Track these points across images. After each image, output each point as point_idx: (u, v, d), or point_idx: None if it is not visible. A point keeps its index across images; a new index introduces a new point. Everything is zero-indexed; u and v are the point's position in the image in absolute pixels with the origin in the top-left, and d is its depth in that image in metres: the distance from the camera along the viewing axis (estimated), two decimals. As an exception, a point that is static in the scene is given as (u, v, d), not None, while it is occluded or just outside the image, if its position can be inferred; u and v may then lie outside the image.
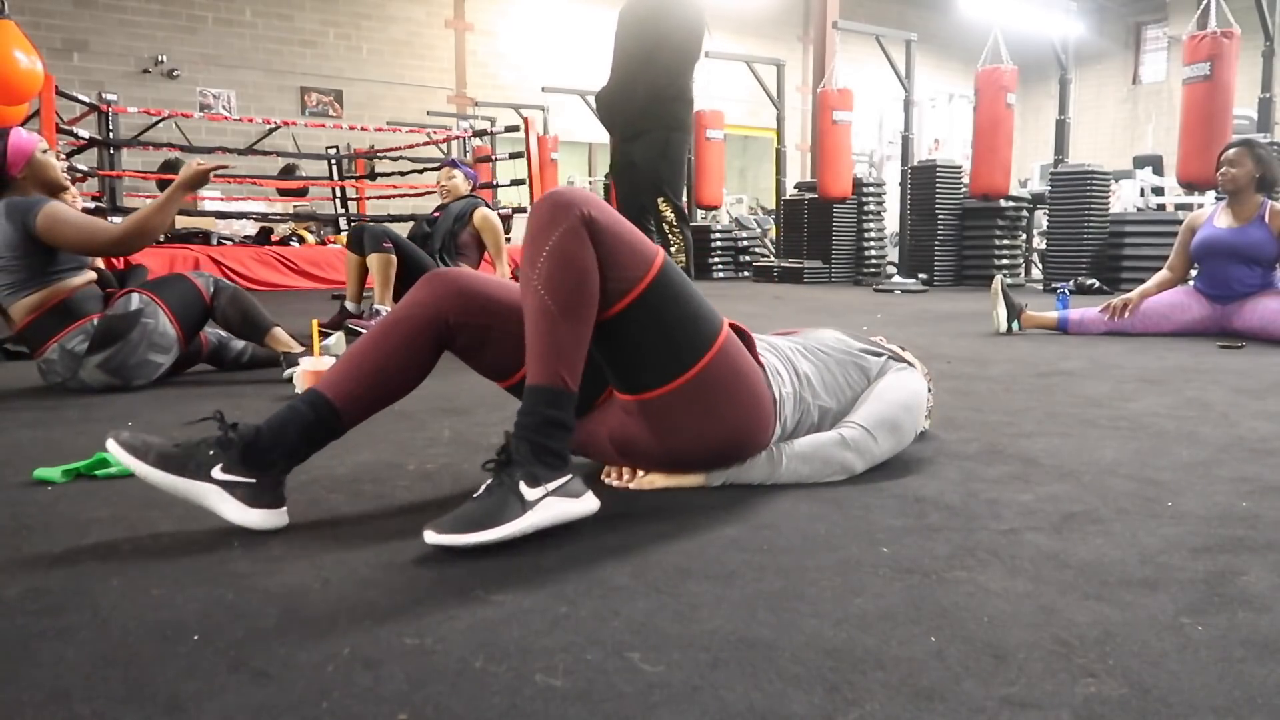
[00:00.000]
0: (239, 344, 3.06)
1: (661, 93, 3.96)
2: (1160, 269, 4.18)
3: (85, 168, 7.62)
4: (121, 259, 6.47)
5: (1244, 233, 3.85)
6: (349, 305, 4.14)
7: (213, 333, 3.00)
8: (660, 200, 4.01)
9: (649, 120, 3.99)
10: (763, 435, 1.54)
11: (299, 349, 2.86)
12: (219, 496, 1.32)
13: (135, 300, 2.65)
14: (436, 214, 4.52)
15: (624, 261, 1.37)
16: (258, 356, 3.07)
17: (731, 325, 1.52)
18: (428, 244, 4.39)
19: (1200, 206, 4.64)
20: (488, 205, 4.61)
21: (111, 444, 1.30)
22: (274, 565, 1.21)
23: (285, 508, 1.37)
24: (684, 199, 4.28)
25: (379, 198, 10.18)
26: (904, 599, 1.08)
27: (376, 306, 4.07)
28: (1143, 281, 4.20)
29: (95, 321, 2.61)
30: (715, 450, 1.52)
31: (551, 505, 1.28)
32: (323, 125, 10.26)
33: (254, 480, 1.34)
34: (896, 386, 1.71)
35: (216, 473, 1.32)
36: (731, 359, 1.46)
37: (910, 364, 1.81)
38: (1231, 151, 3.91)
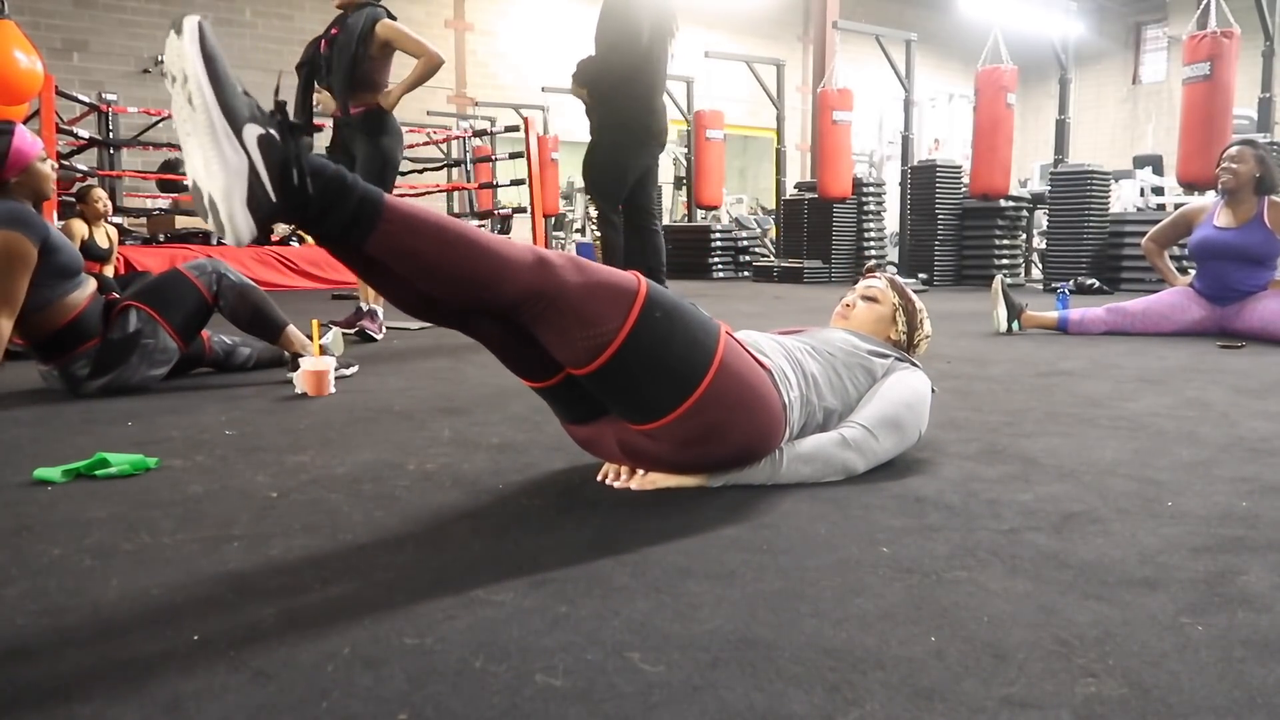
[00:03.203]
0: (245, 352, 3.01)
1: (612, 89, 3.97)
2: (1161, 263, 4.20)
3: (85, 167, 7.63)
4: (123, 265, 6.50)
5: (1245, 233, 3.85)
6: (363, 305, 4.07)
7: (218, 341, 2.96)
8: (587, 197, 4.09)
9: (597, 112, 3.99)
10: (774, 440, 1.54)
11: (313, 349, 2.78)
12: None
13: (134, 320, 2.60)
14: (334, 30, 3.85)
15: (600, 315, 1.34)
16: (263, 360, 3.05)
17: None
18: (315, 79, 3.85)
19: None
20: (387, 11, 3.88)
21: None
22: (274, 565, 1.21)
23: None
24: (612, 200, 4.18)
25: (379, 198, 10.16)
26: (904, 599, 1.08)
27: (370, 306, 3.99)
28: (1143, 282, 4.20)
29: (97, 346, 2.57)
30: (730, 459, 1.52)
31: (241, 160, 1.12)
32: (323, 125, 10.26)
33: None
34: (899, 386, 1.71)
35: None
36: (734, 370, 1.44)
37: (915, 365, 1.81)
38: (1233, 150, 3.91)
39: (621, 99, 4.03)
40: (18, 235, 2.40)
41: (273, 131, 1.16)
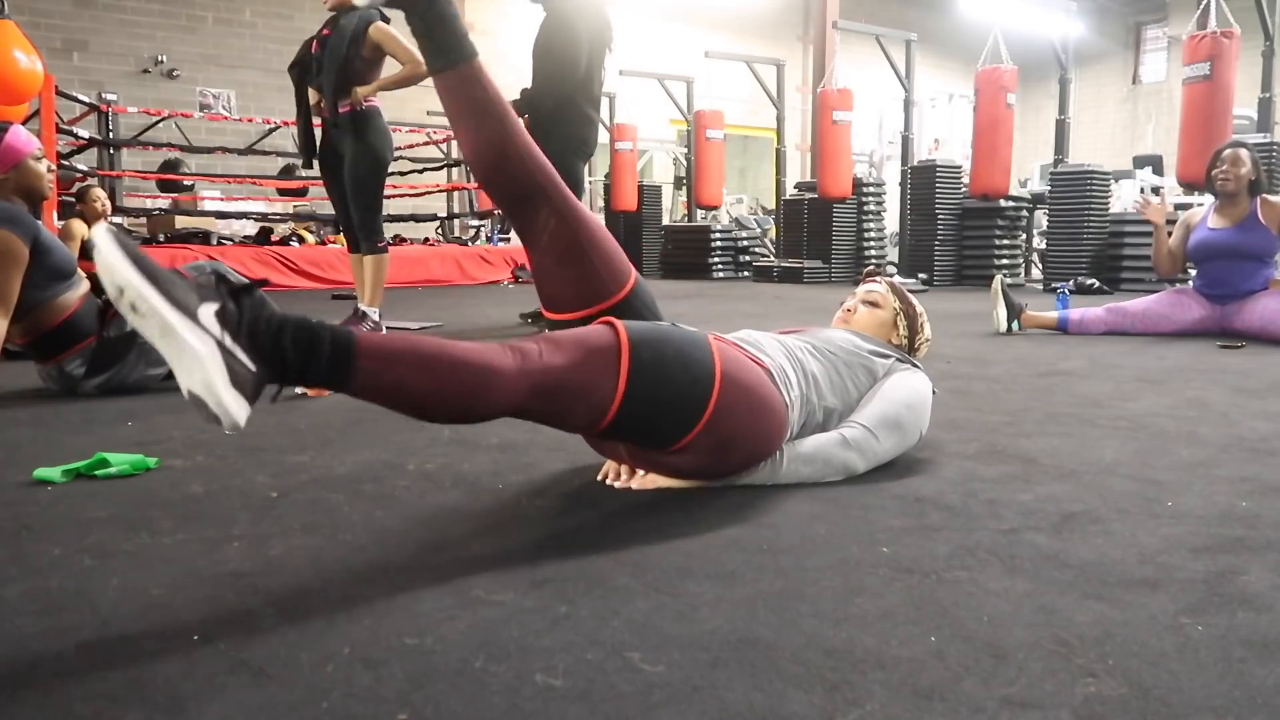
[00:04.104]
0: None
1: (553, 112, 4.11)
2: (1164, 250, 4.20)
3: (85, 167, 7.63)
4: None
5: (1240, 232, 3.86)
6: (361, 307, 4.04)
7: None
8: None
9: (539, 130, 4.07)
10: (778, 440, 1.54)
11: None
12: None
13: None
14: (326, 31, 3.82)
15: (588, 386, 1.32)
16: None
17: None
18: (306, 80, 3.86)
19: (1200, 205, 4.64)
20: (380, 14, 3.82)
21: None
22: (274, 565, 1.21)
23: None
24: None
25: (379, 198, 10.16)
26: (904, 599, 1.08)
27: (363, 308, 3.95)
28: (1143, 281, 4.20)
29: (93, 345, 2.57)
30: (741, 464, 1.53)
31: (208, 344, 1.06)
32: (323, 125, 10.24)
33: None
34: (901, 386, 1.71)
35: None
36: (736, 377, 1.44)
37: (917, 365, 1.81)
38: (1230, 153, 3.92)
39: (561, 119, 4.16)
40: (6, 233, 2.40)
41: (227, 303, 1.12)
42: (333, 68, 3.77)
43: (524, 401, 1.29)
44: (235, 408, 1.06)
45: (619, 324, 1.38)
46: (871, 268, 2.01)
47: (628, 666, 0.91)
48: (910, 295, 1.94)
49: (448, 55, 1.46)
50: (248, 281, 1.16)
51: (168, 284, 1.06)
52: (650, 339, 1.37)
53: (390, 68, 3.86)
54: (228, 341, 1.09)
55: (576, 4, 4.11)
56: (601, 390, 1.32)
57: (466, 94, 1.48)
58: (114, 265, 1.05)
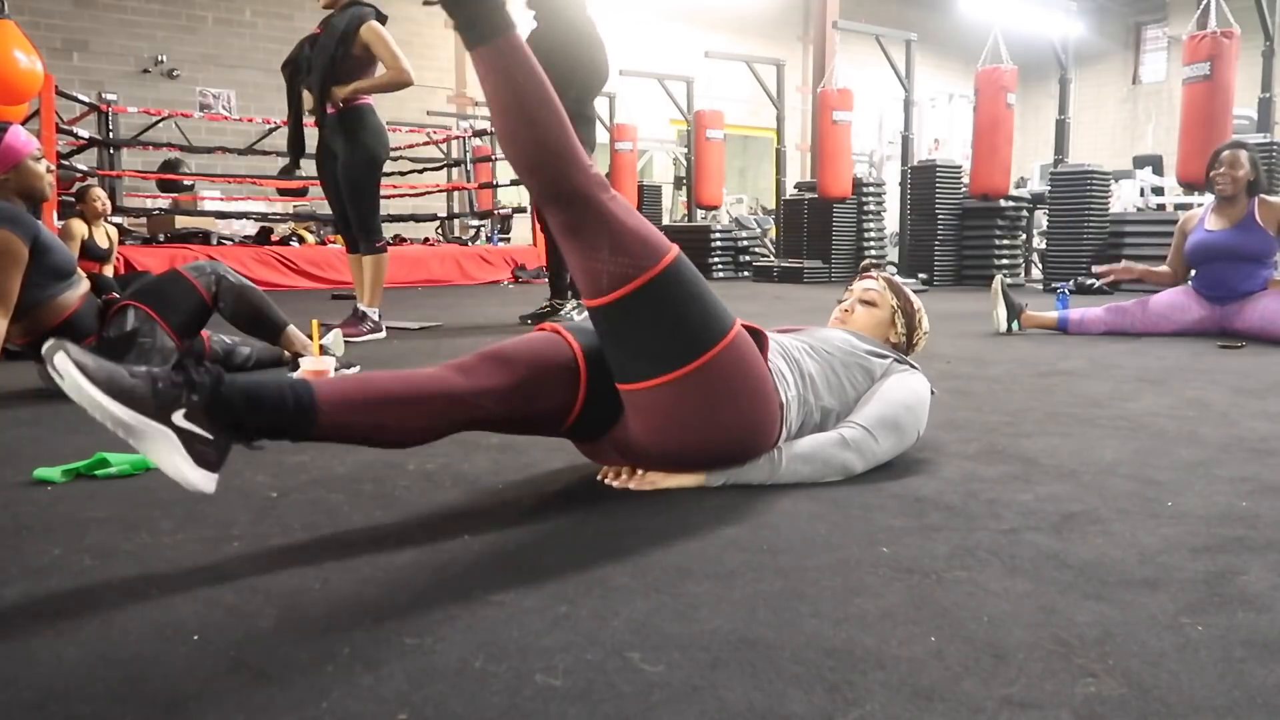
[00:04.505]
0: (244, 351, 3.00)
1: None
2: (1161, 267, 4.19)
3: (85, 167, 7.63)
4: (123, 264, 6.50)
5: (1238, 233, 3.86)
6: (360, 307, 4.04)
7: (218, 341, 2.95)
8: None
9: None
10: (766, 439, 1.54)
11: (314, 349, 2.72)
12: (170, 446, 1.17)
13: (131, 318, 2.59)
14: (319, 30, 3.83)
15: (633, 249, 1.39)
16: (263, 360, 3.04)
17: (746, 326, 1.52)
18: (298, 79, 3.84)
19: (1200, 206, 4.64)
20: (377, 12, 3.80)
21: (60, 357, 1.16)
22: (274, 565, 1.21)
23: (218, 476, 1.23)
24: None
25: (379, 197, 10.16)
26: (904, 599, 1.08)
27: (362, 308, 3.96)
28: (1142, 282, 4.20)
29: (92, 346, 2.56)
30: (714, 450, 1.52)
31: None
32: (317, 125, 10.24)
33: (211, 437, 1.20)
34: (899, 387, 1.71)
35: (179, 418, 1.18)
36: (735, 362, 1.44)
37: (914, 366, 1.81)
38: (1228, 154, 3.91)
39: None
40: (7, 233, 2.39)
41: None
42: (319, 67, 3.75)
43: (584, 195, 1.39)
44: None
45: (676, 250, 1.45)
46: (867, 263, 2.00)
47: (628, 666, 0.91)
48: (907, 290, 1.93)
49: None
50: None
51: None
52: (691, 279, 1.43)
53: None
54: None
55: (573, 21, 4.07)
56: (639, 261, 1.39)
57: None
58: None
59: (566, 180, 1.39)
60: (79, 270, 2.66)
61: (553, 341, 1.45)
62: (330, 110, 3.81)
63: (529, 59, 1.39)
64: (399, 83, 3.74)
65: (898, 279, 1.95)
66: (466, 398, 1.34)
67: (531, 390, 1.39)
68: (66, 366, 1.14)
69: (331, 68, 3.73)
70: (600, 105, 4.42)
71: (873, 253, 9.17)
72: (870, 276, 1.93)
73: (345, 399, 1.28)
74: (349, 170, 3.86)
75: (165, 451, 1.17)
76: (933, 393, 1.80)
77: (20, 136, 2.56)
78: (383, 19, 3.80)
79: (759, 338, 1.55)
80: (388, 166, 10.10)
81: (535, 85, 1.38)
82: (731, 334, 1.44)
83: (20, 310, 2.47)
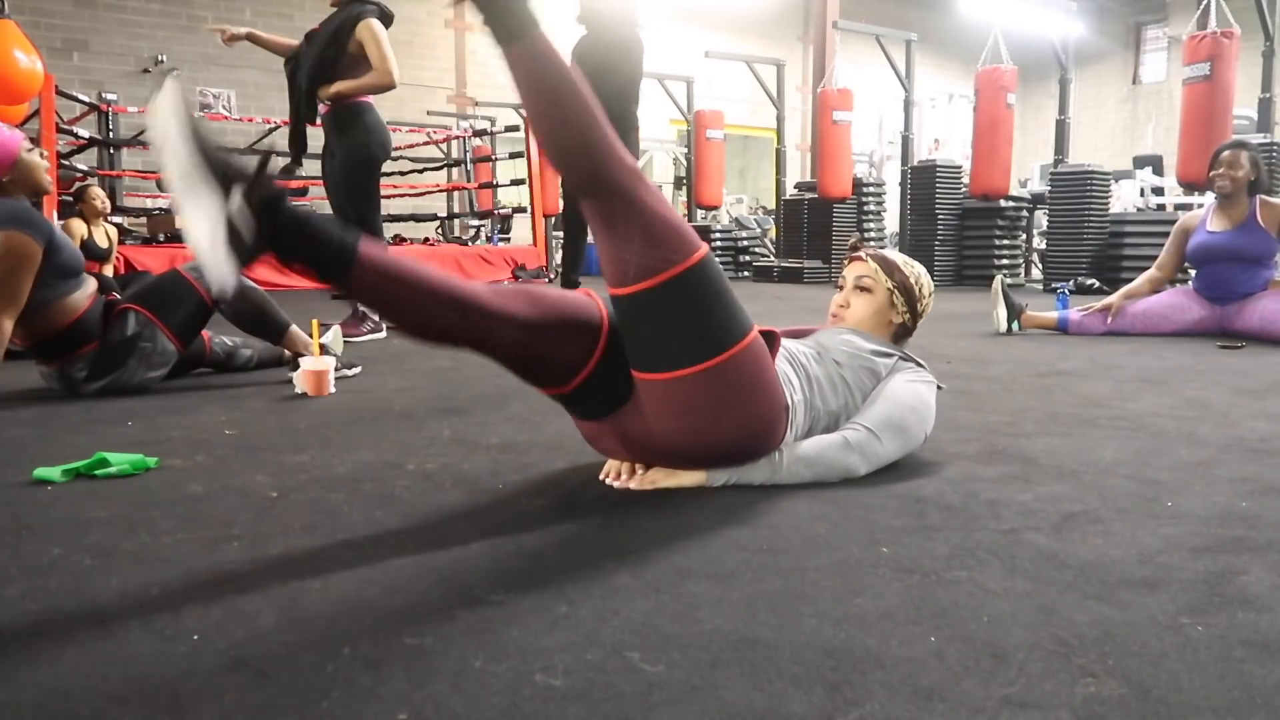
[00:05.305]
0: (245, 353, 3.00)
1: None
2: (1141, 277, 4.18)
3: (85, 167, 7.63)
4: (123, 264, 6.50)
5: (1240, 235, 3.86)
6: (360, 307, 4.04)
7: (219, 343, 2.95)
8: None
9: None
10: (771, 440, 1.54)
11: (315, 349, 2.75)
12: (212, 212, 1.18)
13: (132, 322, 2.60)
14: (317, 28, 3.84)
15: (665, 242, 1.40)
16: (265, 361, 3.04)
17: (761, 331, 1.52)
18: (296, 80, 3.82)
19: (1200, 206, 4.64)
20: (381, 11, 3.77)
21: (171, 82, 1.19)
22: (274, 565, 1.21)
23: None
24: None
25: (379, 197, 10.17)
26: (904, 599, 1.08)
27: (362, 308, 3.98)
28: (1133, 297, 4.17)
29: (96, 349, 2.57)
30: (719, 448, 1.51)
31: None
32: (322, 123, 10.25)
33: (250, 230, 1.22)
34: (904, 388, 1.70)
35: (235, 193, 1.19)
36: (750, 364, 1.45)
37: (920, 365, 1.80)
38: (1229, 154, 3.91)
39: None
40: (22, 235, 2.38)
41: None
42: (306, 64, 3.74)
43: (613, 188, 1.40)
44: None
45: (705, 247, 1.47)
46: (854, 240, 1.95)
47: (628, 666, 0.91)
48: (899, 262, 1.84)
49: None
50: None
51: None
52: (717, 279, 1.45)
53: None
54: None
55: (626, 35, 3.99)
56: (670, 255, 1.40)
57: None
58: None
59: (602, 172, 1.41)
60: (85, 270, 2.66)
61: (585, 302, 1.48)
62: (322, 108, 3.80)
63: (556, 57, 1.41)
64: (381, 85, 3.71)
65: (889, 252, 1.86)
66: (489, 312, 1.37)
67: (550, 333, 1.42)
68: (168, 97, 1.15)
69: (320, 66, 3.71)
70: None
71: (873, 253, 9.16)
72: (860, 259, 1.86)
73: (384, 262, 1.32)
74: (345, 169, 3.85)
75: (203, 216, 1.17)
76: (940, 387, 1.79)
77: (4, 132, 2.52)
78: (387, 18, 3.78)
79: (771, 339, 1.56)
80: (388, 166, 10.11)
81: (563, 82, 1.40)
82: (750, 336, 1.46)
83: (29, 310, 2.46)
